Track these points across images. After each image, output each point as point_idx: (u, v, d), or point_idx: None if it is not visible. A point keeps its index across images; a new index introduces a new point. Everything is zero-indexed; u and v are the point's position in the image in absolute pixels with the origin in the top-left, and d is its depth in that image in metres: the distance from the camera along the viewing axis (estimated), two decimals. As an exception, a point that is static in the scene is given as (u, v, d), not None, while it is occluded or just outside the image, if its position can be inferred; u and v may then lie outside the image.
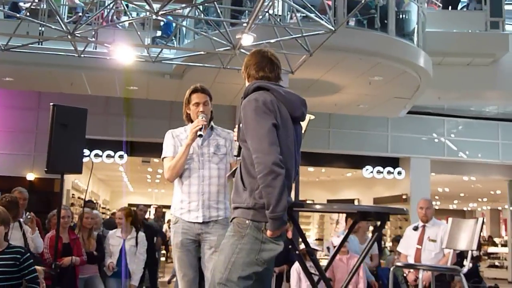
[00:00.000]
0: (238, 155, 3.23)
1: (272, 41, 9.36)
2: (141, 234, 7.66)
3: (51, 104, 5.33)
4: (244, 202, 2.99)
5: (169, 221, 14.10)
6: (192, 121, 4.18)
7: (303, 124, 3.23)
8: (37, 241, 6.13)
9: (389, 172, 17.97)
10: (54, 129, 5.24)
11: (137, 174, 25.13)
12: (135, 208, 9.59)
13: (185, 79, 12.19)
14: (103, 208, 28.31)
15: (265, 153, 2.84)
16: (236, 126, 3.18)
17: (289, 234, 3.02)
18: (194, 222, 4.04)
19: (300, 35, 9.42)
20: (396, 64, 11.24)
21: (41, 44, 10.85)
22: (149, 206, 29.27)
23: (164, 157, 4.17)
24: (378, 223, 3.13)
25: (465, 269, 5.63)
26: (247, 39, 8.88)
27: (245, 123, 2.99)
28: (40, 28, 10.97)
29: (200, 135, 4.00)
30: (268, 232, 2.91)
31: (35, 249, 6.06)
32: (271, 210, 2.82)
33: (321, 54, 9.97)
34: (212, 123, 4.27)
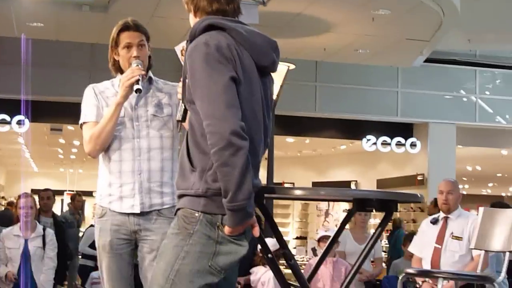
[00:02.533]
0: (184, 120, 3.22)
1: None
2: (50, 232, 7.63)
3: None
4: (192, 188, 2.98)
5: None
6: (122, 71, 4.15)
7: (277, 77, 3.23)
8: None
9: (398, 144, 18.15)
10: None
11: (43, 147, 24.94)
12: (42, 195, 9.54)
13: (112, 12, 12.06)
14: (-5, 196, 28.14)
15: (220, 118, 2.82)
16: (181, 80, 3.17)
17: (256, 231, 3.03)
18: (129, 214, 4.03)
19: (274, -50, 9.39)
20: (409, -7, 11.30)
21: None
22: (61, 192, 29.26)
23: (84, 123, 4.13)
24: (383, 214, 3.17)
25: (500, 277, 5.74)
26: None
27: (192, 77, 2.95)
28: None
29: (138, 90, 3.96)
30: (227, 229, 2.91)
31: None
32: (230, 197, 2.81)
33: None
34: (150, 73, 4.25)
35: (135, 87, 3.94)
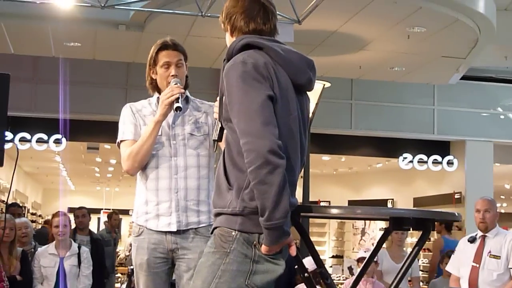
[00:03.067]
0: (220, 140, 3.23)
1: (270, -23, 9.32)
2: (85, 250, 7.67)
3: (-42, 67, 5.32)
4: (228, 206, 2.99)
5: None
6: (160, 90, 4.18)
7: (312, 95, 3.23)
8: None
9: (435, 162, 18.02)
10: (-38, 103, 5.22)
11: (80, 165, 25.14)
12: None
13: (148, 31, 12.14)
14: (32, 214, 28.38)
15: (258, 136, 2.83)
16: (217, 99, 3.18)
17: (293, 250, 3.03)
18: (166, 232, 4.04)
19: (309, -32, 9.41)
20: (445, 9, 11.22)
21: None
22: (98, 210, 29.43)
23: (121, 141, 4.17)
24: (420, 233, 3.14)
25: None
26: (234, -25, 8.84)
27: (229, 95, 2.97)
28: None
29: (178, 108, 3.99)
30: (263, 248, 2.91)
31: None
32: (267, 216, 2.81)
33: (340, -5, 9.95)
34: (187, 92, 4.28)
35: (175, 105, 3.97)
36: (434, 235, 13.08)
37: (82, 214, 9.52)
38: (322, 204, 21.01)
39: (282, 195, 2.81)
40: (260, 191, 2.81)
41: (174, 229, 4.03)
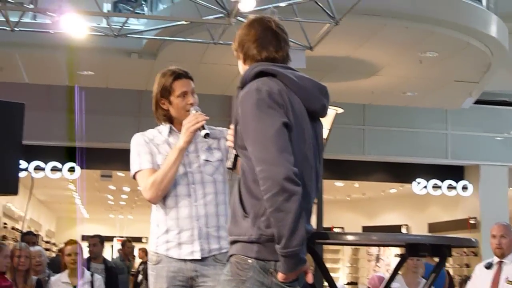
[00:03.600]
0: (234, 168, 3.23)
1: (282, 4, 9.35)
2: (98, 278, 7.66)
3: (-27, 97, 5.34)
4: (244, 234, 2.98)
5: (143, 263, 13.93)
6: (172, 120, 4.20)
7: (325, 121, 3.23)
8: None
9: (450, 187, 17.96)
10: (-23, 132, 5.24)
11: (93, 193, 25.18)
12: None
13: (160, 59, 12.20)
14: (46, 242, 28.42)
15: (273, 164, 2.83)
16: (231, 127, 3.18)
17: (309, 278, 3.01)
18: (186, 260, 4.03)
19: (321, -5, 9.45)
20: (456, 34, 11.24)
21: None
22: (111, 238, 29.46)
23: (139, 171, 4.18)
24: (436, 259, 3.11)
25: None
26: (247, 3, 8.88)
27: (244, 123, 2.97)
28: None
29: (207, 135, 4.00)
30: (280, 275, 2.89)
31: None
32: (284, 244, 2.80)
33: (352, 21, 9.97)
34: (198, 119, 4.29)
35: (203, 132, 3.99)
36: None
37: (93, 243, 9.51)
38: (335, 230, 20.94)
39: (298, 222, 2.80)
40: (276, 218, 2.81)
41: (199, 257, 4.01)
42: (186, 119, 4.06)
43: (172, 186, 4.07)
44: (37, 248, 8.28)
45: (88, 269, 8.00)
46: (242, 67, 3.23)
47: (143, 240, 28.03)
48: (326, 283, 3.33)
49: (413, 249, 3.08)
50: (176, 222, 4.06)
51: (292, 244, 2.80)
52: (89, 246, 9.45)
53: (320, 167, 3.15)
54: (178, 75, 4.17)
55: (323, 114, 3.18)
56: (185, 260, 4.03)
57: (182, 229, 4.04)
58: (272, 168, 2.82)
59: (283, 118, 2.93)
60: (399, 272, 7.69)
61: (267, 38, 3.17)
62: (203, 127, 4.00)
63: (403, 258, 3.51)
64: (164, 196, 4.07)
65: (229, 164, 3.27)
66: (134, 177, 4.16)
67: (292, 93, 3.04)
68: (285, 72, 3.08)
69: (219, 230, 4.08)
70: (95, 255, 9.41)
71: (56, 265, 8.86)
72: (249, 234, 2.96)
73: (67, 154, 15.32)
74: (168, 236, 4.07)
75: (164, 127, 4.23)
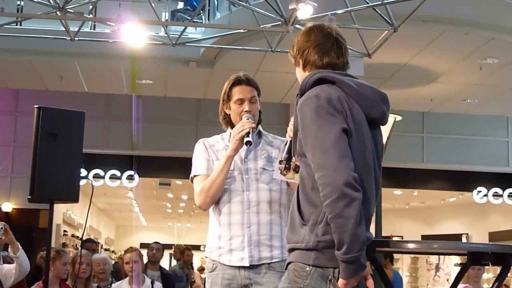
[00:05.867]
0: (289, 160, 3.26)
1: (339, 12, 9.33)
2: (158, 285, 7.71)
3: (36, 106, 5.42)
4: (302, 241, 2.97)
5: (201, 269, 13.95)
6: (233, 125, 4.19)
7: (385, 129, 3.20)
8: (23, 260, 6.29)
9: (511, 196, 17.69)
10: (39, 140, 5.31)
11: (152, 201, 25.42)
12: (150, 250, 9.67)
13: (218, 67, 12.28)
14: (105, 250, 28.74)
15: (333, 169, 2.82)
16: (288, 134, 3.19)
17: (370, 284, 2.99)
18: (239, 267, 4.04)
19: (380, 2, 9.39)
20: (518, 40, 11.11)
21: (20, 25, 11.08)
22: (169, 246, 29.64)
23: (195, 176, 4.19)
24: (499, 269, 3.07)
25: None
26: (305, 10, 8.87)
27: (303, 129, 2.96)
28: (18, 3, 11.21)
29: (248, 142, 3.99)
30: (341, 282, 2.87)
31: (22, 270, 6.26)
32: (345, 249, 2.79)
33: (410, 28, 9.91)
34: (260, 127, 4.29)
35: (245, 139, 3.96)
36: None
37: (157, 248, 9.60)
38: (395, 239, 20.78)
39: (359, 228, 2.79)
40: (337, 224, 2.79)
41: (247, 264, 4.01)
42: (235, 127, 4.07)
43: (227, 192, 4.08)
44: (102, 255, 8.37)
45: (146, 275, 8.06)
46: (301, 74, 3.21)
47: (201, 248, 28.16)
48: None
49: (475, 257, 3.04)
50: (229, 228, 4.06)
51: (354, 249, 2.79)
52: (151, 251, 9.53)
53: (379, 174, 3.13)
54: (238, 81, 4.17)
55: (384, 121, 3.15)
56: (239, 268, 4.03)
57: (234, 236, 4.05)
58: (332, 174, 2.81)
59: (342, 124, 2.92)
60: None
61: (328, 44, 3.15)
62: (247, 135, 3.97)
63: (465, 266, 3.46)
64: (216, 202, 4.09)
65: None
66: (192, 181, 4.19)
67: (351, 100, 3.02)
68: (345, 79, 3.06)
69: (271, 239, 4.06)
70: (155, 260, 9.50)
71: (117, 273, 8.96)
72: (307, 241, 2.95)
73: (126, 163, 15.46)
74: (220, 242, 4.08)
75: (227, 133, 4.25)
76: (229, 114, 4.20)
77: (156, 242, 9.92)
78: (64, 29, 10.39)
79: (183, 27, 11.00)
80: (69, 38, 10.50)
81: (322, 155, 2.86)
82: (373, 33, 10.12)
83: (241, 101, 4.13)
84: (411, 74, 12.47)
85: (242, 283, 4.03)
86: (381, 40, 10.19)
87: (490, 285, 3.21)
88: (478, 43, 11.08)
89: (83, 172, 14.89)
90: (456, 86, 13.25)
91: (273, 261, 4.04)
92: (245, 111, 4.10)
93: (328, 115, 2.92)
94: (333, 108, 2.93)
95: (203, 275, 14.13)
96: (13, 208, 15.48)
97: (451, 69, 12.30)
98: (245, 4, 10.03)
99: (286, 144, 3.41)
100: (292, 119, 3.22)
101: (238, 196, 4.08)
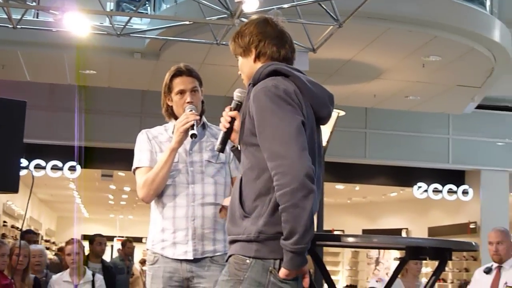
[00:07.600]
0: (222, 151, 3.26)
1: (285, 6, 9.35)
2: (99, 277, 7.66)
3: (-26, 95, 5.34)
4: (243, 233, 2.96)
5: (143, 261, 13.82)
6: (176, 117, 4.16)
7: (328, 124, 3.23)
8: None
9: (450, 191, 17.95)
10: (-22, 130, 5.24)
11: (94, 193, 25.19)
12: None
13: (163, 59, 12.21)
14: (46, 241, 28.41)
15: (295, 160, 2.81)
16: (223, 125, 3.21)
17: (306, 282, 2.99)
18: (182, 261, 4.01)
19: (325, -3, 9.45)
20: (460, 39, 11.24)
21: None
22: (111, 238, 29.44)
23: (137, 168, 4.14)
24: (436, 263, 3.12)
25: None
26: (250, 4, 8.88)
27: (260, 119, 2.93)
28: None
29: (194, 135, 3.95)
30: (283, 271, 2.86)
31: None
32: (296, 240, 2.78)
33: (355, 24, 9.96)
34: (204, 118, 4.26)
35: (190, 132, 3.93)
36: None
37: (100, 241, 9.49)
38: (335, 233, 20.94)
39: (312, 220, 2.82)
40: (292, 214, 2.79)
41: (191, 257, 3.99)
42: (179, 119, 4.04)
43: (172, 185, 4.05)
44: (39, 247, 8.28)
45: (87, 267, 8.00)
46: (250, 65, 3.20)
47: (143, 240, 28.02)
48: (326, 285, 3.33)
49: (414, 252, 3.08)
50: (172, 222, 4.03)
51: (304, 240, 2.80)
52: (95, 244, 9.42)
53: (320, 171, 3.12)
54: (178, 73, 4.14)
55: (326, 121, 3.17)
56: (180, 261, 4.01)
57: (177, 229, 4.02)
58: (292, 164, 2.81)
59: (301, 117, 2.93)
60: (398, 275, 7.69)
61: (283, 38, 3.16)
62: (192, 127, 3.95)
63: (403, 260, 3.50)
64: (160, 195, 4.05)
65: (216, 146, 3.30)
66: (134, 172, 4.15)
67: (303, 96, 3.03)
68: (299, 75, 3.06)
69: (215, 233, 4.05)
70: (101, 254, 9.41)
71: (57, 265, 8.86)
72: (248, 233, 2.94)
73: (68, 153, 15.29)
74: (163, 235, 4.05)
75: (170, 125, 4.21)
76: (172, 106, 4.17)
77: (99, 235, 9.80)
78: (6, 16, 10.25)
79: (128, 18, 10.92)
80: (11, 26, 10.35)
81: (282, 145, 2.85)
82: (318, 28, 10.16)
83: (182, 92, 4.10)
84: (355, 70, 12.56)
85: (184, 276, 4.02)
86: (326, 35, 10.24)
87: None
88: (422, 41, 11.20)
89: (24, 163, 14.68)
90: (399, 83, 13.38)
91: (216, 254, 4.03)
92: (187, 102, 4.07)
93: (287, 105, 2.92)
94: (291, 100, 2.94)
95: (144, 268, 14.03)
96: (-49, 198, 15.21)
97: (395, 66, 12.42)
98: (191, -4, 9.99)
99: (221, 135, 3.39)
100: (226, 109, 3.22)
101: (183, 189, 4.04)
